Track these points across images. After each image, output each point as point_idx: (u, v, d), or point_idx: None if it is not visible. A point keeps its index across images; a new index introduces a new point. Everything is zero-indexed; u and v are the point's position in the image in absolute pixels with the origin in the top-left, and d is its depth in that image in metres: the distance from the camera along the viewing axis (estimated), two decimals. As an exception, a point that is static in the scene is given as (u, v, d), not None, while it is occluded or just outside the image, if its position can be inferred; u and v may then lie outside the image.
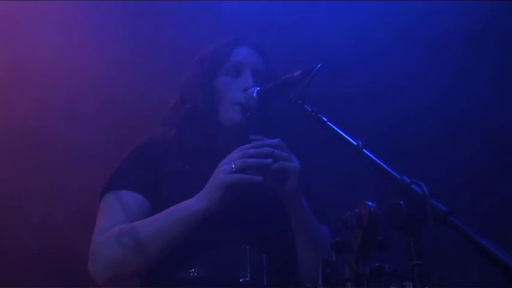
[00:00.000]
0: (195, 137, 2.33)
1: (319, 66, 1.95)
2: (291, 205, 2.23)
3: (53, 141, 3.26)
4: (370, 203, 1.56)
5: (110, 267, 2.12)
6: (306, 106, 1.96)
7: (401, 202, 1.53)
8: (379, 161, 1.70)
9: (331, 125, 1.88)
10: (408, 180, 1.59)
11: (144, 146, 2.38)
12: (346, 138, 1.81)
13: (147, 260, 2.12)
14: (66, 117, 3.25)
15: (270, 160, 2.12)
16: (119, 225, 2.15)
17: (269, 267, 2.18)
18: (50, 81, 3.22)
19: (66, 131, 3.24)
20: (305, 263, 2.23)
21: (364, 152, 1.72)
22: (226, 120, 2.33)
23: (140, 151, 2.36)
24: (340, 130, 1.85)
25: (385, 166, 1.68)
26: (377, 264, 1.53)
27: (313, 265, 2.09)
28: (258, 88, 2.24)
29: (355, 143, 1.77)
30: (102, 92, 3.21)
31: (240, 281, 2.13)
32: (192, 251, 2.14)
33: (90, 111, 3.23)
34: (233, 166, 2.10)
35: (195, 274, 2.13)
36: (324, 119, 1.91)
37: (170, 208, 2.14)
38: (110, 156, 2.57)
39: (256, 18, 3.09)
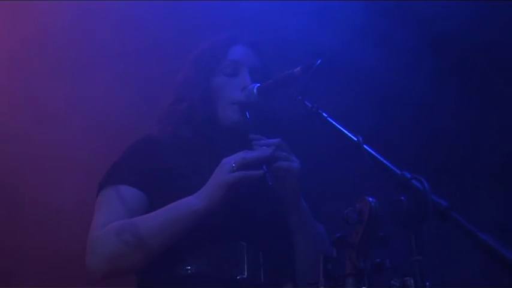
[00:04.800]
0: (193, 136, 2.32)
1: (319, 61, 1.95)
2: (289, 204, 2.23)
3: (52, 140, 3.25)
4: (370, 199, 1.56)
5: (109, 261, 2.11)
6: (306, 102, 1.96)
7: (402, 198, 1.53)
8: (379, 157, 1.70)
9: (331, 120, 1.88)
10: (409, 176, 1.59)
11: (141, 142, 2.36)
12: (346, 134, 1.81)
13: (146, 256, 2.11)
14: (63, 114, 3.24)
15: (268, 152, 2.12)
16: (118, 220, 2.14)
17: (266, 264, 2.18)
18: (46, 78, 3.22)
19: (63, 129, 3.24)
20: (302, 261, 2.24)
21: (364, 148, 1.72)
22: (224, 119, 2.32)
23: (138, 147, 2.34)
24: (340, 126, 1.85)
25: (385, 162, 1.68)
26: (378, 259, 1.53)
27: (310, 263, 2.10)
28: (258, 84, 2.24)
29: (355, 139, 1.77)
30: (99, 89, 3.20)
31: (238, 278, 2.13)
32: (189, 247, 2.13)
33: (87, 109, 3.23)
34: (233, 165, 2.09)
35: (192, 271, 2.13)
36: (324, 114, 1.91)
37: (171, 204, 2.13)
38: (107, 152, 2.56)
39: (255, 16, 3.09)
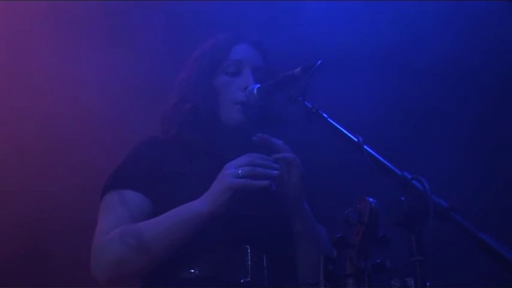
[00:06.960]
0: (196, 137, 2.32)
1: (319, 62, 1.95)
2: (293, 208, 2.22)
3: (52, 139, 3.26)
4: (371, 199, 1.56)
5: (113, 267, 2.11)
6: (306, 102, 1.96)
7: (403, 198, 1.54)
8: (379, 157, 1.70)
9: (331, 121, 1.88)
10: (409, 176, 1.59)
11: (144, 145, 2.35)
12: (346, 134, 1.81)
13: (150, 261, 2.12)
14: (67, 111, 3.25)
15: (277, 172, 2.11)
16: (122, 225, 2.14)
17: (269, 267, 2.18)
18: (54, 73, 3.22)
19: (66, 127, 3.24)
20: (305, 264, 2.23)
21: (365, 148, 1.72)
22: (227, 119, 2.31)
23: (141, 150, 2.34)
24: (341, 126, 1.85)
25: (386, 162, 1.68)
26: (378, 260, 1.53)
27: (313, 266, 2.09)
28: (258, 85, 2.23)
29: (355, 139, 1.77)
30: (104, 87, 3.21)
31: (241, 281, 2.13)
32: (194, 250, 2.14)
33: (93, 106, 3.24)
34: (240, 172, 2.09)
35: (196, 274, 2.13)
36: (324, 115, 1.91)
37: (175, 209, 2.13)
38: (111, 154, 2.56)
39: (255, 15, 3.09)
